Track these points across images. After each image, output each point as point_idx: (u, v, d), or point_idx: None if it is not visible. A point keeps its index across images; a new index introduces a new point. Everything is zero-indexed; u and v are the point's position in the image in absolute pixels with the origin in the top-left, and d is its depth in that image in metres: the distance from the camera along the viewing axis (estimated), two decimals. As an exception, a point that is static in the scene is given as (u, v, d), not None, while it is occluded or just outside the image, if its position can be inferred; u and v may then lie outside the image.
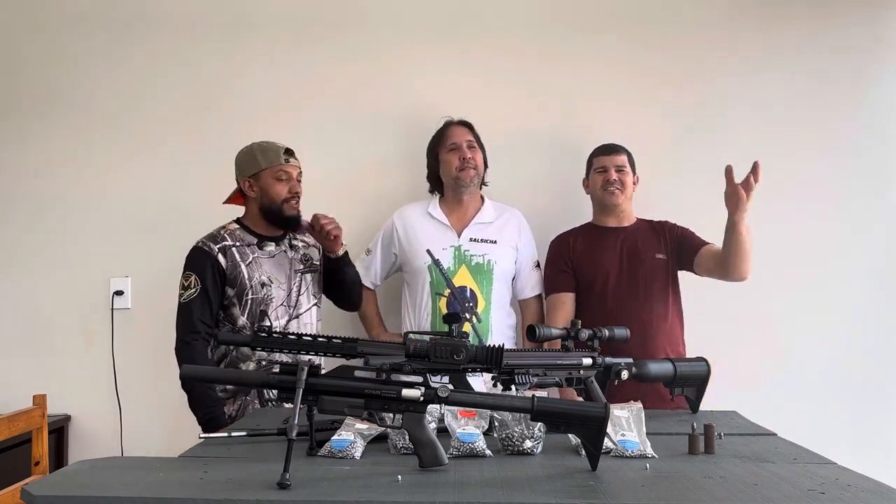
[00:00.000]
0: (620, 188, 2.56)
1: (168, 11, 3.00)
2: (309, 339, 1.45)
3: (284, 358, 2.17)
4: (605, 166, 2.58)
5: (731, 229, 2.24)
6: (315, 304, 2.47)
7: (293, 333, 1.45)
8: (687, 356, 2.42)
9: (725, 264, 2.33)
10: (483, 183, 2.69)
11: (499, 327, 2.55)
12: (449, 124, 2.66)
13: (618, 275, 2.51)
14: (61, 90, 3.00)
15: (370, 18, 2.99)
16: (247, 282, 2.31)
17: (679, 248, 2.54)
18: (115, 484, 1.29)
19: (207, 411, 2.22)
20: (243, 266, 2.32)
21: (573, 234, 2.64)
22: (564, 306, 2.55)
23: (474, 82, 2.95)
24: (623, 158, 2.59)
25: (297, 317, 2.39)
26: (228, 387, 2.30)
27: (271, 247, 2.40)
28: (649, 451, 1.52)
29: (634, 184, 2.63)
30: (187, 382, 2.22)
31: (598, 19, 2.98)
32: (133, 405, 2.89)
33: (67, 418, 2.93)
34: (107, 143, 2.98)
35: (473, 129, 2.66)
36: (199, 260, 2.31)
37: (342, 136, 2.96)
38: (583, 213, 2.74)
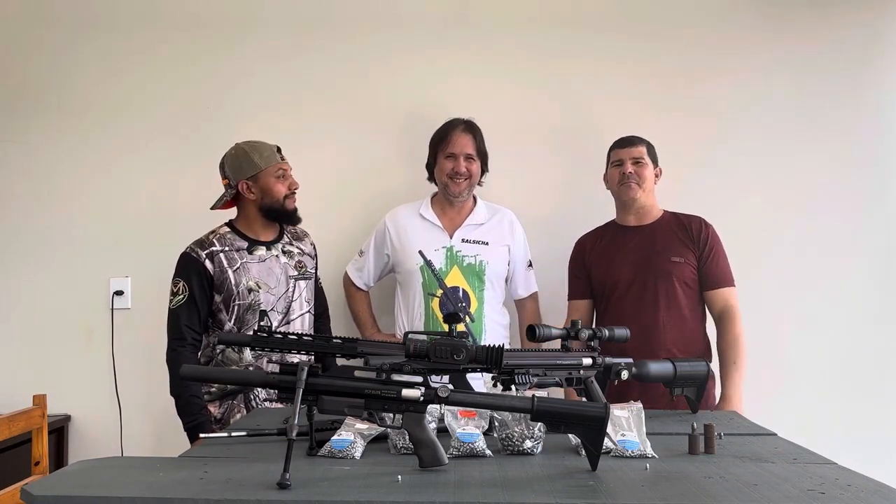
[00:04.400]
0: (638, 182, 2.45)
1: (168, 13, 3.01)
2: (309, 339, 1.45)
3: (273, 367, 2.17)
4: (621, 159, 2.48)
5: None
6: (308, 311, 2.45)
7: (293, 333, 1.45)
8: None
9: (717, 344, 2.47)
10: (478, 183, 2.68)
11: (492, 327, 2.56)
12: (453, 128, 2.61)
13: (630, 280, 2.43)
14: (62, 90, 3.00)
15: (369, 19, 2.99)
16: (233, 288, 2.30)
17: (701, 266, 2.44)
18: (115, 484, 1.29)
19: (192, 418, 2.21)
20: (230, 272, 2.31)
21: (592, 237, 2.59)
22: (577, 313, 2.53)
23: (473, 82, 2.96)
24: (641, 150, 2.48)
25: (287, 323, 2.37)
26: (212, 389, 2.31)
27: (261, 251, 2.38)
28: (649, 451, 1.52)
29: (657, 176, 2.53)
30: (176, 389, 2.23)
31: (600, 19, 2.99)
32: (133, 405, 2.89)
33: (67, 418, 2.93)
34: (107, 143, 2.99)
35: (477, 136, 2.62)
36: (187, 266, 2.31)
37: (341, 137, 2.97)
38: (584, 213, 2.74)
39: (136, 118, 2.98)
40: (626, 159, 2.47)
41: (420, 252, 2.53)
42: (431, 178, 2.69)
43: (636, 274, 2.44)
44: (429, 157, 2.68)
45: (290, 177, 2.40)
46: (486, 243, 2.60)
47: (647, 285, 2.42)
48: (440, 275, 2.50)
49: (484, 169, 2.66)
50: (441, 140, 2.62)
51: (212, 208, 2.43)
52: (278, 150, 2.40)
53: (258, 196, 2.37)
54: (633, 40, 2.96)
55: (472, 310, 2.52)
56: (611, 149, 2.57)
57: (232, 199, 2.41)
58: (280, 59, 2.99)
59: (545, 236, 2.84)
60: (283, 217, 2.41)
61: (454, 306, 2.46)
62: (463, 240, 2.59)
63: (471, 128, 2.63)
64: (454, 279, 2.54)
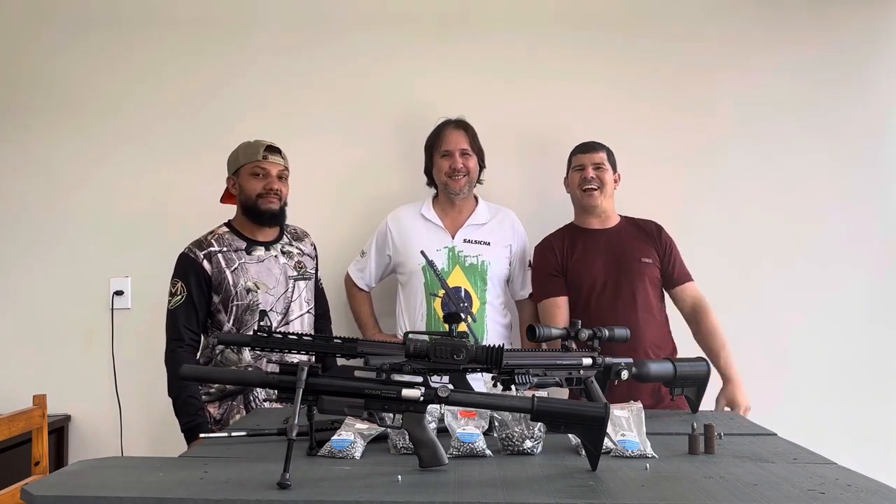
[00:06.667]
0: (599, 186, 2.50)
1: (168, 12, 3.01)
2: (309, 339, 1.45)
3: (272, 367, 2.17)
4: (582, 164, 2.53)
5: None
6: (308, 312, 2.45)
7: (293, 333, 1.45)
8: (684, 356, 2.41)
9: (688, 322, 2.51)
10: (478, 181, 2.68)
11: (493, 327, 2.55)
12: (445, 126, 2.63)
13: (604, 280, 2.46)
14: (63, 90, 3.00)
15: (368, 19, 2.99)
16: (232, 288, 2.30)
17: (662, 264, 2.50)
18: (115, 484, 1.29)
19: (190, 419, 2.21)
20: (228, 272, 2.31)
21: (557, 238, 2.58)
22: (560, 310, 2.48)
23: (471, 82, 2.96)
24: (601, 156, 2.53)
25: (287, 323, 2.37)
26: (212, 389, 2.31)
27: (260, 251, 2.38)
28: (649, 451, 1.52)
29: (616, 181, 2.58)
30: (174, 389, 2.23)
31: (598, 19, 2.98)
32: (133, 405, 2.89)
33: (67, 418, 2.93)
34: (107, 142, 2.98)
35: (469, 131, 2.63)
36: (185, 267, 2.30)
37: (340, 137, 2.97)
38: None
39: (136, 118, 2.98)
40: (587, 164, 2.52)
41: (422, 252, 2.53)
42: (430, 182, 2.70)
43: (609, 275, 2.46)
44: (425, 162, 2.69)
45: (270, 176, 2.35)
46: (488, 243, 2.59)
47: (621, 286, 2.45)
48: (442, 275, 2.51)
49: (481, 165, 2.66)
50: (435, 140, 2.64)
51: (221, 202, 2.48)
52: (271, 149, 2.37)
53: (238, 192, 2.38)
54: (632, 40, 2.96)
55: (474, 310, 2.52)
56: (572, 153, 2.60)
57: (233, 196, 2.43)
58: (281, 58, 2.98)
59: (545, 236, 2.84)
60: (257, 216, 2.36)
61: (456, 306, 2.47)
62: (465, 240, 2.59)
63: (462, 125, 2.64)
64: (456, 279, 2.54)
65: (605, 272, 2.48)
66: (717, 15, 2.98)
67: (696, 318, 2.48)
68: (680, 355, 2.42)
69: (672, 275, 2.51)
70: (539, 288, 2.58)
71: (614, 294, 2.45)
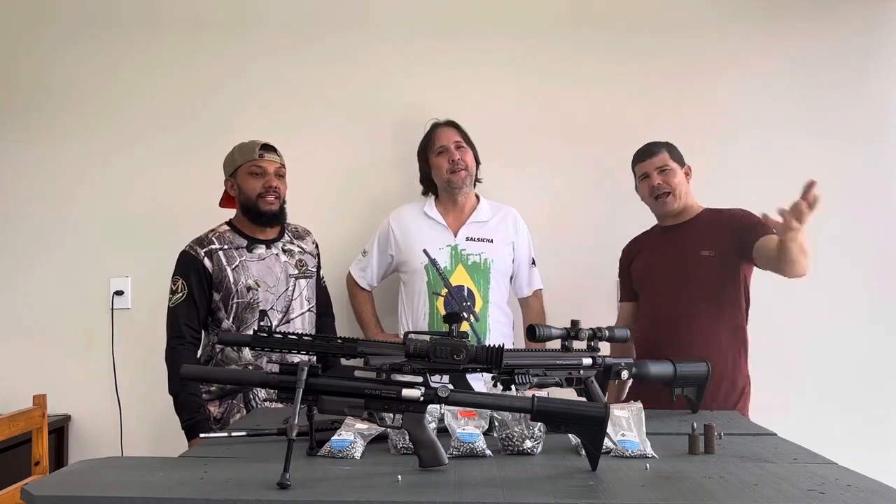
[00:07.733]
0: (670, 191, 2.36)
1: (167, 12, 3.00)
2: (309, 339, 1.45)
3: (273, 366, 2.17)
4: (646, 172, 2.40)
5: (780, 244, 2.08)
6: (308, 310, 2.45)
7: (293, 333, 1.45)
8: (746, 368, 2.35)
9: (777, 266, 2.17)
10: (477, 179, 2.68)
11: (496, 326, 2.55)
12: (435, 127, 2.65)
13: (659, 277, 2.40)
14: (63, 90, 3.00)
15: (368, 19, 2.99)
16: (232, 286, 2.30)
17: (740, 240, 2.27)
18: (115, 484, 1.29)
19: (190, 416, 2.21)
20: (229, 270, 2.31)
21: (638, 240, 2.55)
22: (622, 313, 2.56)
23: (472, 83, 2.96)
24: (664, 157, 2.38)
25: (287, 321, 2.37)
26: (212, 388, 2.31)
27: (261, 249, 2.38)
28: (649, 451, 1.52)
29: (687, 175, 2.43)
30: (175, 387, 2.23)
31: (603, 18, 2.98)
32: (133, 405, 2.89)
33: (67, 418, 2.93)
34: (107, 142, 2.98)
35: (460, 128, 2.65)
36: (186, 264, 2.31)
37: (340, 137, 2.97)
38: (588, 211, 2.74)
39: (136, 118, 2.98)
40: (651, 172, 2.39)
41: (424, 251, 2.53)
42: (427, 189, 2.70)
43: (659, 273, 2.41)
44: (420, 167, 2.69)
45: (268, 175, 2.35)
46: (491, 241, 2.59)
47: (669, 284, 2.37)
48: (445, 273, 2.50)
49: (476, 161, 2.66)
50: (427, 143, 2.65)
51: (220, 206, 2.48)
52: (267, 147, 2.38)
53: (237, 193, 2.38)
54: (632, 40, 2.96)
55: (477, 308, 2.51)
56: (634, 162, 2.47)
57: (232, 199, 2.42)
58: (281, 58, 2.98)
59: (549, 235, 2.84)
60: (257, 217, 2.36)
61: (459, 305, 2.46)
62: (467, 238, 2.59)
63: (451, 122, 2.66)
64: (459, 278, 2.53)
65: (657, 271, 2.42)
66: (717, 15, 2.98)
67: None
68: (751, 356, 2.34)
69: (751, 236, 2.24)
70: (619, 290, 2.62)
71: (661, 292, 2.39)
